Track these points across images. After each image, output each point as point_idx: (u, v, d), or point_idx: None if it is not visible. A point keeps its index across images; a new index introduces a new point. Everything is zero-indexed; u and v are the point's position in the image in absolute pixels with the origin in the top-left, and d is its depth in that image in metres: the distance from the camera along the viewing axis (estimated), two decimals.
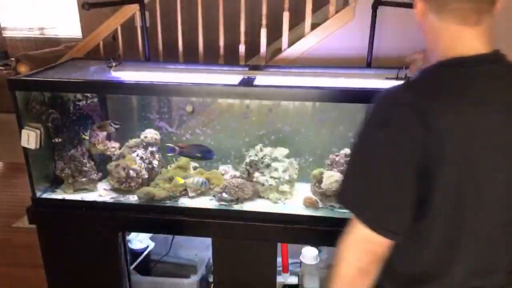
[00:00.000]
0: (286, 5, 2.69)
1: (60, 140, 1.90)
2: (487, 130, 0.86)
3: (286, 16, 2.69)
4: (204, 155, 1.82)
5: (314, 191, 1.85)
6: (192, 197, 1.88)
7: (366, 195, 0.90)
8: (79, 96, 1.98)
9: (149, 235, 2.23)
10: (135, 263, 2.13)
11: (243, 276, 1.85)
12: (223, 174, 1.97)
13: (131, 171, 1.88)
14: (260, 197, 1.87)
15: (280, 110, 1.99)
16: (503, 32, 1.08)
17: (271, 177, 1.85)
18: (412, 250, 0.95)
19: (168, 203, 1.84)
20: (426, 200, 0.87)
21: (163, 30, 2.99)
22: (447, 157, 0.83)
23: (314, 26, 2.68)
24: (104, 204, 1.84)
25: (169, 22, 2.97)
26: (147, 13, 2.98)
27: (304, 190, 1.92)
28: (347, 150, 1.87)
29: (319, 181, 1.80)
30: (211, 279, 2.11)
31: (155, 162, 1.98)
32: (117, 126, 1.94)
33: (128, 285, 1.96)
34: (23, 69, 3.80)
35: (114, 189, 1.93)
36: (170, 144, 1.86)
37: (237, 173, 1.95)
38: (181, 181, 1.83)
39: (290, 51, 2.72)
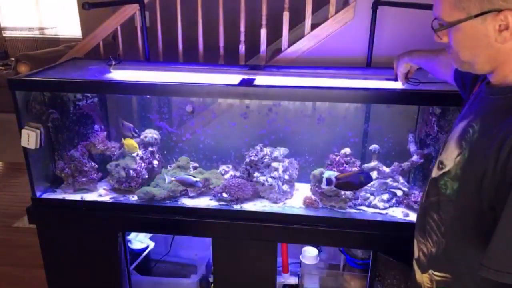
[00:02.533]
0: (286, 5, 2.69)
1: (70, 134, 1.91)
2: None
3: (286, 16, 2.70)
4: (366, 180, 1.69)
5: (314, 191, 1.85)
6: (192, 197, 1.88)
7: None
8: (79, 96, 1.99)
9: (149, 235, 2.23)
10: (135, 263, 2.13)
11: (243, 276, 1.85)
12: (223, 174, 1.97)
13: (131, 171, 1.88)
14: (260, 197, 1.87)
15: (280, 110, 1.99)
16: None
17: (271, 177, 1.85)
18: None
19: (168, 203, 1.84)
20: None
21: (163, 30, 2.99)
22: None
23: (314, 26, 2.68)
24: (104, 204, 1.84)
25: (169, 22, 2.97)
26: (147, 13, 2.98)
27: (304, 190, 1.92)
28: (347, 150, 1.87)
29: (319, 181, 1.80)
30: (211, 279, 2.11)
31: (155, 162, 1.98)
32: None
33: (128, 285, 1.97)
34: (23, 69, 3.80)
35: (114, 189, 1.93)
36: (326, 175, 1.70)
37: (237, 173, 1.95)
38: None
39: (290, 51, 2.72)
